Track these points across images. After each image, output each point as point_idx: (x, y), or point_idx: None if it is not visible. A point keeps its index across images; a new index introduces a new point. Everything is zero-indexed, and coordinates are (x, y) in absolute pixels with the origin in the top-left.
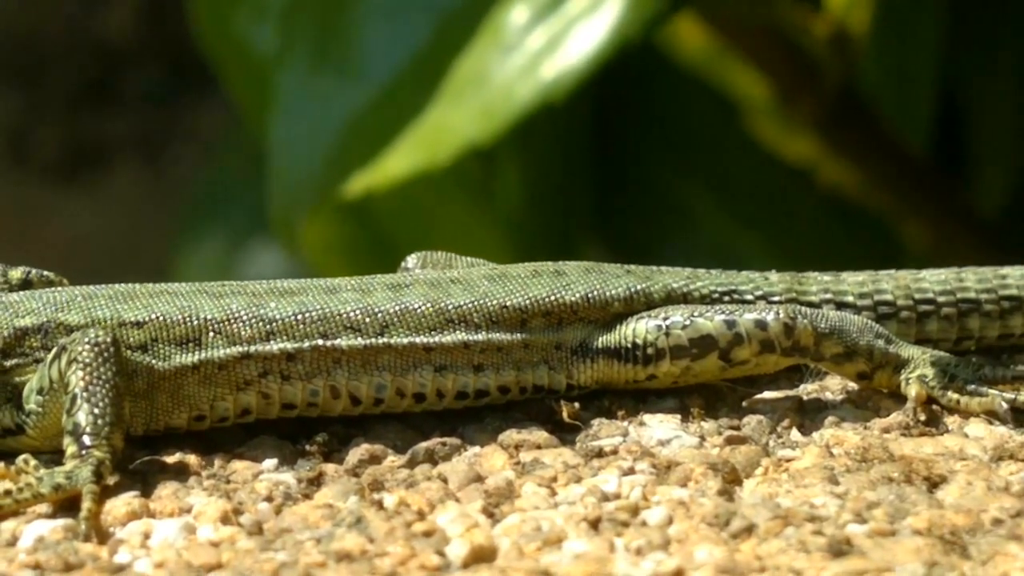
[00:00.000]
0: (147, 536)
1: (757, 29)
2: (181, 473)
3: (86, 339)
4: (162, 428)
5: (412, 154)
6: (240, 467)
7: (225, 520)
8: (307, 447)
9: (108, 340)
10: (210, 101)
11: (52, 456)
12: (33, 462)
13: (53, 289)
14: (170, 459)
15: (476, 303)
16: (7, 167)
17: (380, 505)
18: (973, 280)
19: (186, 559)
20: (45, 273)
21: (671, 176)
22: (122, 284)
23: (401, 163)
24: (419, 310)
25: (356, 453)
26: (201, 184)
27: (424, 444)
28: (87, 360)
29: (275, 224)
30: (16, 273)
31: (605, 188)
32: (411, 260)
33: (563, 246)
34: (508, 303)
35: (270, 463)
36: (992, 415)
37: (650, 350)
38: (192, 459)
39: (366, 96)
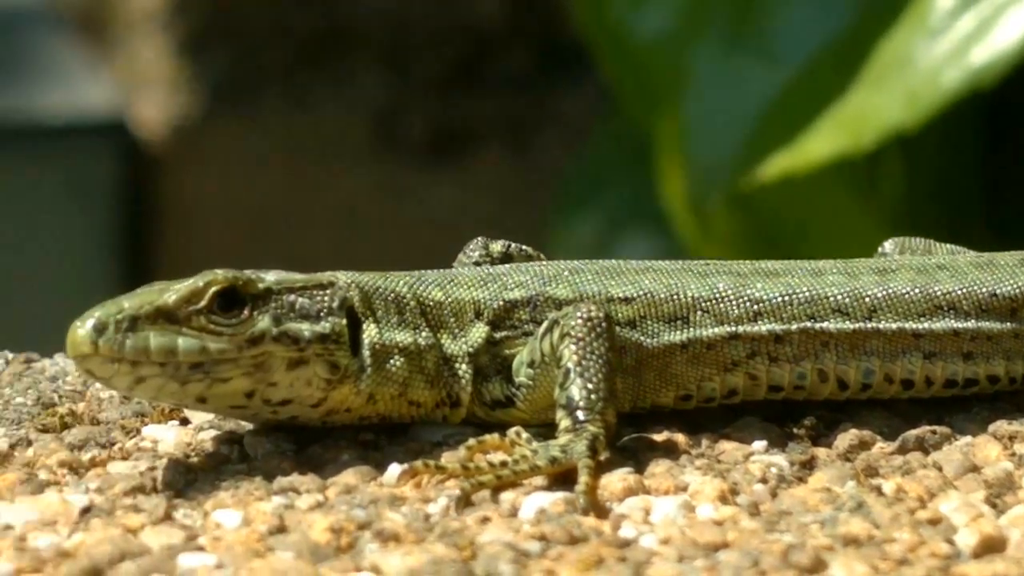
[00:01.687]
0: (647, 512)
1: None
2: (671, 451)
3: (579, 313)
4: (648, 406)
5: (833, 138)
6: (728, 448)
7: (723, 500)
8: (795, 430)
9: (601, 315)
10: (578, 86)
11: (538, 429)
12: (525, 435)
13: (539, 263)
14: (658, 437)
15: (965, 290)
16: (376, 148)
17: (879, 491)
18: None
19: (690, 537)
20: (524, 247)
21: None
22: (607, 260)
23: (821, 146)
24: (907, 296)
25: (845, 438)
26: (573, 169)
27: (913, 432)
28: (580, 335)
29: (690, 206)
30: (496, 247)
31: (998, 186)
32: (888, 245)
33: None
34: (998, 291)
35: (759, 444)
36: None
37: None
38: (680, 438)
39: (783, 78)
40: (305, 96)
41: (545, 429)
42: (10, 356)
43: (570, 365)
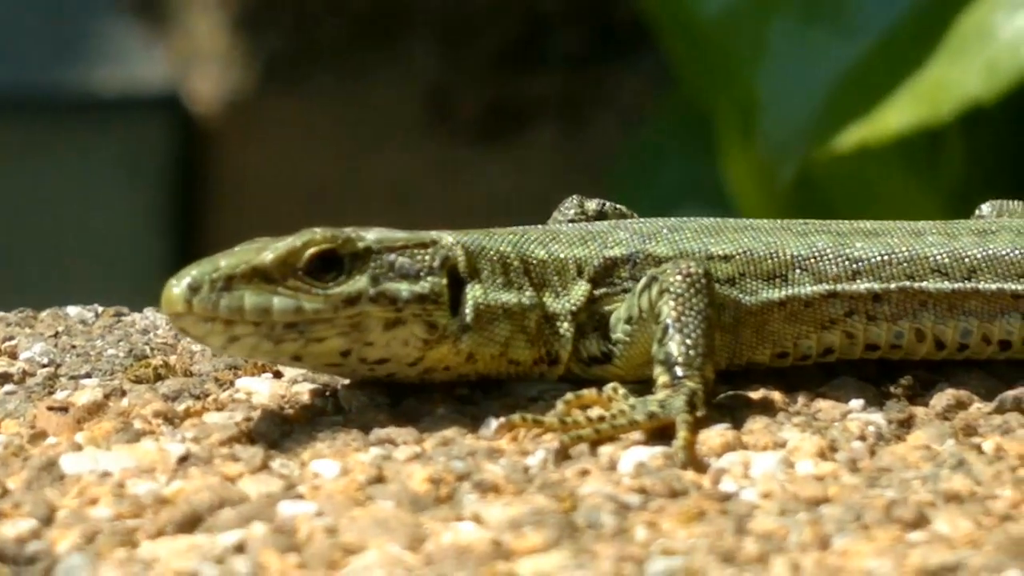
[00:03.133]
0: (746, 467)
1: None
2: (768, 409)
3: (678, 270)
4: (744, 363)
5: (911, 109)
6: (825, 406)
7: (822, 456)
8: (892, 389)
9: (701, 271)
10: (633, 66)
11: (634, 386)
12: (622, 391)
13: (637, 220)
14: (754, 395)
15: None
16: (429, 126)
17: (979, 450)
18: None
19: (791, 491)
20: (618, 206)
21: None
22: (706, 218)
23: (898, 117)
24: (1007, 256)
25: (942, 398)
26: (628, 148)
27: (1011, 392)
28: (679, 291)
29: (760, 180)
30: (591, 204)
31: None
32: (985, 208)
33: None
34: None
35: (856, 403)
36: None
37: None
38: (776, 395)
39: (860, 50)
40: (359, 72)
41: (641, 386)
42: (100, 309)
43: (669, 321)
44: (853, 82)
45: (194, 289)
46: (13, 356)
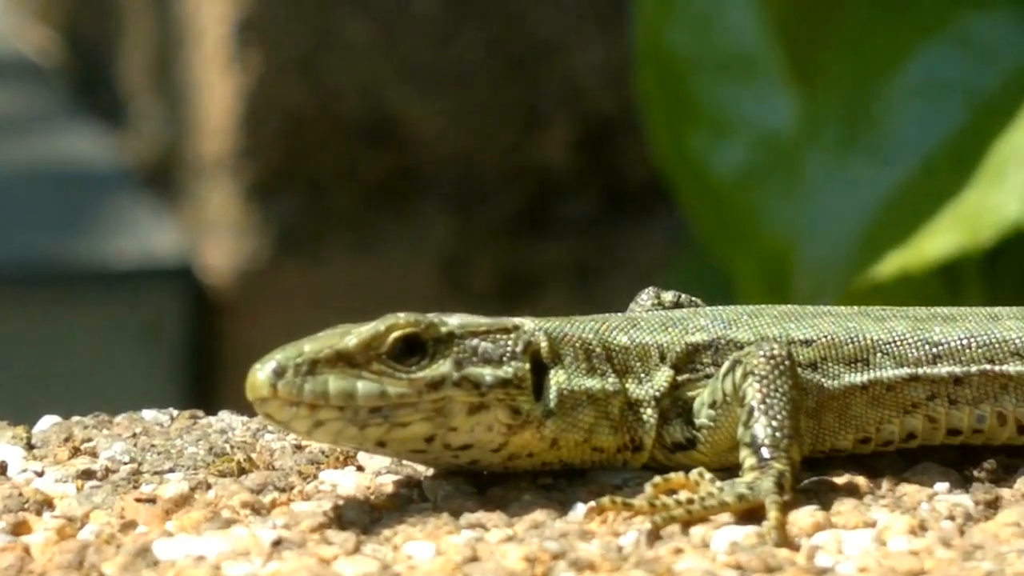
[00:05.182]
0: (839, 544)
1: None
2: (854, 492)
3: (761, 352)
4: (827, 449)
5: (951, 235)
6: (910, 490)
7: (913, 533)
8: (975, 473)
9: (784, 354)
10: (644, 232)
11: (717, 473)
12: (708, 475)
13: (717, 308)
14: (839, 479)
15: None
16: (443, 293)
17: None
18: None
19: (888, 565)
20: (693, 299)
21: None
22: (784, 305)
23: (939, 244)
24: None
25: None
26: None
27: None
28: (763, 373)
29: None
30: (668, 296)
31: None
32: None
33: None
34: None
35: (941, 486)
36: None
37: None
38: (861, 480)
39: (899, 177)
40: (372, 240)
41: (724, 474)
42: (175, 413)
43: (754, 403)
44: (892, 209)
45: (279, 374)
46: (94, 455)
